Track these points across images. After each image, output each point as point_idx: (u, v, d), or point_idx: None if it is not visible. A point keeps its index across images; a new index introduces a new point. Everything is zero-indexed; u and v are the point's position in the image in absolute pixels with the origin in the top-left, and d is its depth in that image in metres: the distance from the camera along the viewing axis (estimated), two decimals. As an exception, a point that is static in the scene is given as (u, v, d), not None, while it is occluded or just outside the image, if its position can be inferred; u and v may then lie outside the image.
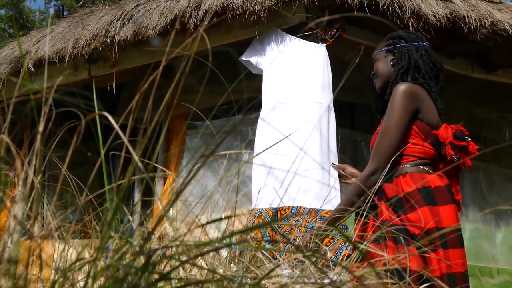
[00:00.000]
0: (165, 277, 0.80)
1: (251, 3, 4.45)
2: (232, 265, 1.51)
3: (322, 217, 4.01)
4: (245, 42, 4.79)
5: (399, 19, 4.50)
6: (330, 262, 1.38)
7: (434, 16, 4.66)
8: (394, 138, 2.53)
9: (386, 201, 2.52)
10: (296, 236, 3.08)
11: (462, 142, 2.57)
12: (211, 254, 1.48)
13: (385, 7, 4.46)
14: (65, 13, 17.18)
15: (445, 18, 4.72)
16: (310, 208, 4.06)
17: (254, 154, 4.18)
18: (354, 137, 5.81)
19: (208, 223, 1.16)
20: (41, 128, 0.99)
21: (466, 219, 5.53)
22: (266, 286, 1.18)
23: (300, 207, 4.09)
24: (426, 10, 4.63)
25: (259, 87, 4.60)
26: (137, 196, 5.39)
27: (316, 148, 4.19)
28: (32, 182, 1.11)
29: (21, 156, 1.14)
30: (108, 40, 5.14)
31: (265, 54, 4.66)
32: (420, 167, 2.58)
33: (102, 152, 1.09)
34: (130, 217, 1.22)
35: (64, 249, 1.12)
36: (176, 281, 0.84)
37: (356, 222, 2.58)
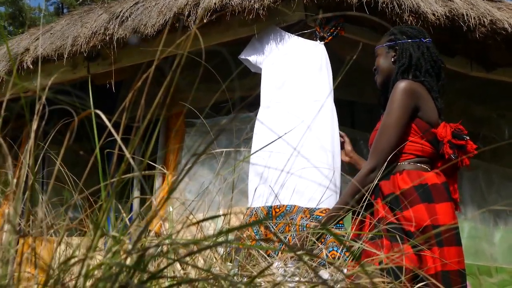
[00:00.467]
0: (156, 275, 0.80)
1: (250, 1, 4.45)
2: (228, 263, 1.51)
3: (317, 216, 4.00)
4: (244, 40, 4.78)
5: (398, 17, 4.49)
6: (323, 261, 1.37)
7: (433, 14, 4.65)
8: (393, 136, 2.53)
9: (382, 198, 2.52)
10: (290, 234, 3.08)
11: (461, 141, 2.57)
12: (206, 252, 1.47)
13: (384, 5, 4.45)
14: (65, 10, 17.18)
15: (444, 16, 4.72)
16: (304, 207, 4.05)
17: (251, 153, 4.18)
18: (353, 135, 5.79)
19: (201, 221, 1.15)
20: (34, 126, 0.99)
21: (465, 217, 5.53)
22: (260, 284, 1.18)
23: (295, 205, 4.08)
24: (425, 9, 4.63)
25: (254, 85, 4.60)
26: (135, 194, 5.39)
27: (314, 146, 4.18)
28: (26, 180, 1.11)
29: (17, 155, 1.14)
30: (107, 38, 5.14)
31: (264, 53, 4.66)
32: (418, 164, 2.58)
33: (97, 150, 1.09)
34: (124, 215, 1.22)
35: (57, 248, 1.12)
36: (169, 279, 0.84)
37: (352, 221, 2.58)
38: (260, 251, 1.40)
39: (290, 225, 3.39)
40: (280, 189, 3.58)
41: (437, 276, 2.38)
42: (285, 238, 3.44)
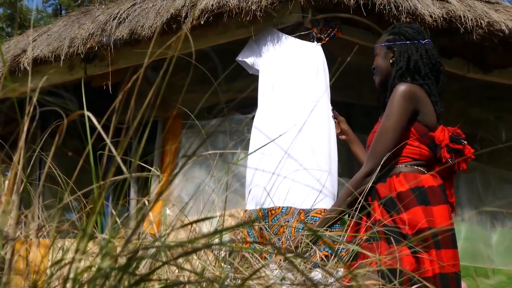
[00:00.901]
0: (144, 278, 0.79)
1: (247, 3, 4.44)
2: (223, 264, 1.51)
3: (312, 217, 4.01)
4: (241, 42, 4.78)
5: (395, 19, 4.49)
6: (317, 264, 1.37)
7: (431, 16, 4.65)
8: (391, 140, 2.52)
9: (379, 200, 2.51)
10: (285, 236, 3.07)
11: (458, 146, 2.55)
12: (201, 253, 1.47)
13: (381, 7, 4.45)
14: (63, 12, 17.17)
15: (441, 18, 4.72)
16: (300, 209, 4.05)
17: (247, 154, 4.18)
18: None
19: (193, 222, 1.15)
20: (25, 127, 0.98)
21: (462, 219, 5.53)
22: (253, 286, 1.17)
23: (291, 207, 4.08)
24: (423, 10, 4.63)
25: (251, 87, 4.59)
26: (132, 196, 5.38)
27: (310, 148, 4.18)
28: (18, 182, 1.10)
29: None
30: (104, 39, 5.13)
31: (261, 54, 4.66)
32: (415, 167, 2.57)
33: (88, 150, 1.08)
34: (116, 217, 1.21)
35: (49, 250, 1.11)
36: (158, 282, 0.84)
37: (349, 223, 2.57)
38: (253, 254, 1.39)
39: (284, 227, 3.39)
40: (275, 191, 3.58)
41: (435, 279, 2.38)
42: (279, 240, 3.44)
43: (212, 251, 1.48)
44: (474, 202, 5.66)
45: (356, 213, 2.25)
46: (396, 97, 2.54)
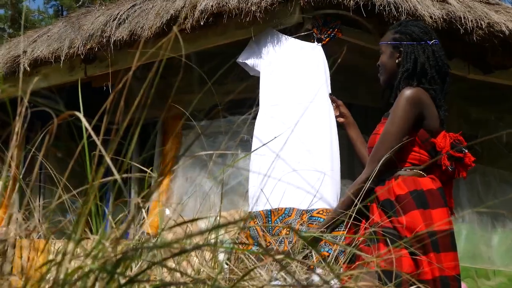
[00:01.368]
0: (134, 279, 0.79)
1: (247, 4, 4.44)
2: (218, 265, 1.50)
3: (313, 217, 4.00)
4: (241, 42, 4.78)
5: (395, 20, 4.48)
6: (316, 266, 1.36)
7: (431, 17, 4.64)
8: (393, 146, 2.49)
9: (378, 204, 2.50)
10: (287, 237, 3.07)
11: (459, 154, 2.53)
12: (197, 253, 1.46)
13: (381, 8, 4.45)
14: (64, 13, 17.19)
15: (441, 19, 4.71)
16: (303, 210, 4.06)
17: (246, 154, 4.17)
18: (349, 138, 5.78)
19: (187, 222, 1.15)
20: (17, 128, 0.98)
21: (463, 220, 5.52)
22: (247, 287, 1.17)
23: (293, 208, 4.08)
24: (423, 11, 4.62)
25: (252, 88, 4.60)
26: (132, 196, 5.38)
27: (311, 147, 4.18)
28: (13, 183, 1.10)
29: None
30: (104, 40, 5.14)
31: (262, 55, 4.65)
32: (414, 170, 2.55)
33: (79, 151, 1.08)
34: (110, 218, 1.21)
35: (42, 251, 1.11)
36: (147, 283, 0.83)
37: (347, 226, 2.56)
38: (249, 255, 1.39)
39: (286, 229, 3.38)
40: (277, 193, 3.57)
41: (436, 282, 2.37)
42: (281, 241, 3.44)
43: (209, 251, 1.48)
44: (474, 203, 5.65)
45: (354, 215, 2.24)
46: (401, 102, 2.51)
